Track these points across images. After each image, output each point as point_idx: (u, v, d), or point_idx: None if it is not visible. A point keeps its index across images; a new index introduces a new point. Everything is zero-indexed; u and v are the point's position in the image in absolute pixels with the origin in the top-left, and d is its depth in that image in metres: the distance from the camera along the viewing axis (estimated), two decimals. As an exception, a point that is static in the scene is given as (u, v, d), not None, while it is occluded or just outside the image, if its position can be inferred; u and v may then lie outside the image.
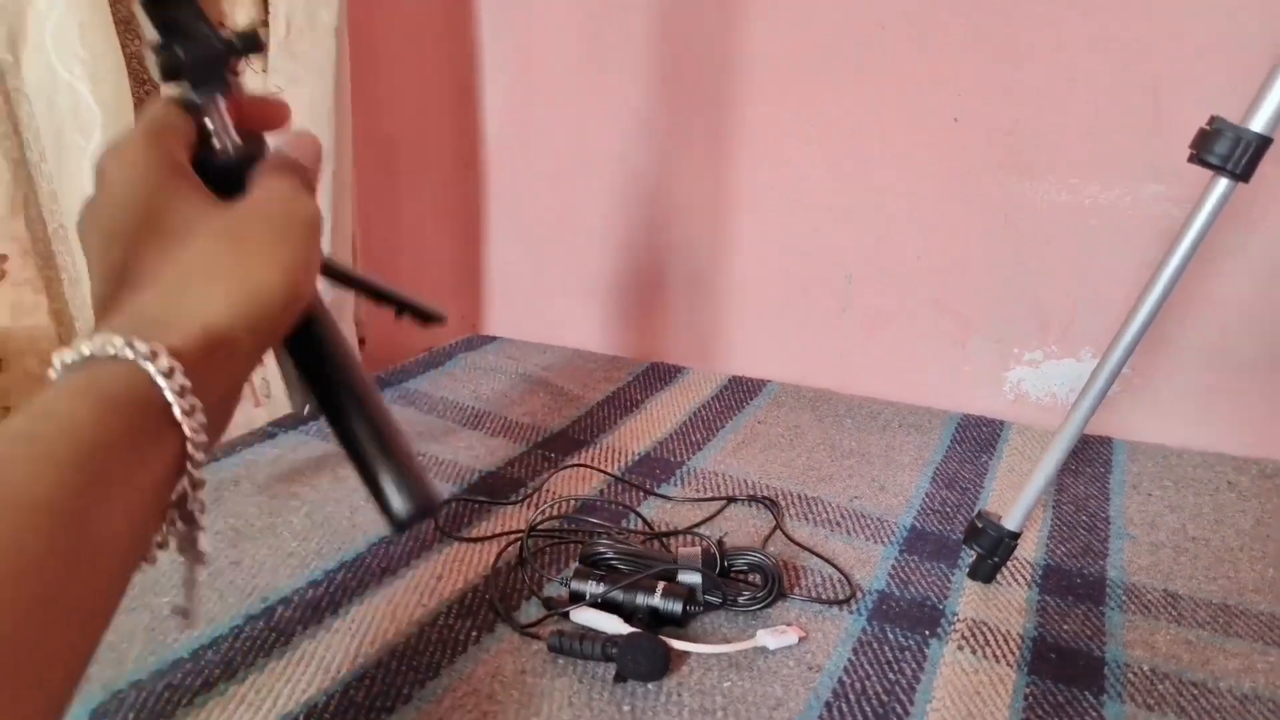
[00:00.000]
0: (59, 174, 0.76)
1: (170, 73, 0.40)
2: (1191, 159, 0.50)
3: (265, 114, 0.42)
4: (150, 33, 0.44)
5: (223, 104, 0.42)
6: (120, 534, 0.28)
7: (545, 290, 1.09)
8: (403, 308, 0.54)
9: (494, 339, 1.05)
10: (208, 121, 0.40)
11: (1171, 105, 0.77)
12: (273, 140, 0.42)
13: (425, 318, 0.56)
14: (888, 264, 0.91)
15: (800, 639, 0.51)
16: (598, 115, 1.00)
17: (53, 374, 0.29)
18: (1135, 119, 0.78)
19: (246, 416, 0.87)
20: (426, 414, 0.83)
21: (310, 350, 0.41)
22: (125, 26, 0.75)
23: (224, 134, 0.41)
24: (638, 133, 0.98)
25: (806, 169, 0.92)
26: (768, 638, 0.50)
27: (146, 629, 0.49)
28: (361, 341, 0.97)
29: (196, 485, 0.31)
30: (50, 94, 0.73)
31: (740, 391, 0.90)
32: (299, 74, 0.81)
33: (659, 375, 0.94)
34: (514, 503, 0.67)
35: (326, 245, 0.83)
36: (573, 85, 1.00)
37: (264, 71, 0.83)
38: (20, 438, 0.27)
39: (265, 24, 0.83)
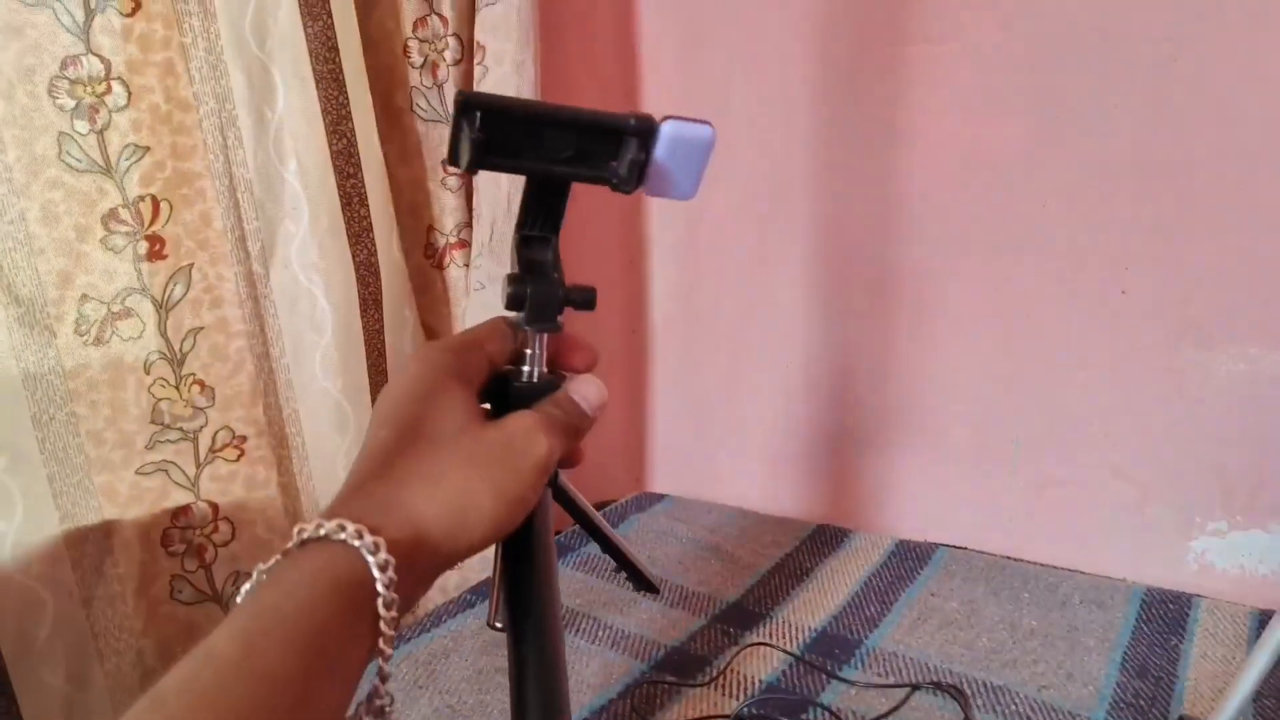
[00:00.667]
0: (295, 366, 0.86)
1: (515, 303, 0.47)
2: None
3: (576, 354, 0.48)
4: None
5: (544, 340, 0.48)
6: (330, 714, 0.32)
7: (709, 448, 1.14)
8: (624, 566, 0.61)
9: (662, 496, 1.10)
10: (527, 350, 0.47)
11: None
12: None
13: (640, 583, 0.62)
14: (1058, 430, 0.92)
15: None
16: (762, 286, 1.06)
17: (291, 544, 0.34)
18: (1316, 291, 0.78)
19: (442, 581, 0.94)
20: (608, 582, 0.87)
21: (519, 572, 0.46)
22: (355, 240, 0.86)
23: (535, 363, 0.47)
24: (799, 302, 1.03)
25: (969, 336, 0.94)
26: None
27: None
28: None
29: (385, 678, 0.35)
30: (293, 299, 0.85)
31: (909, 559, 0.91)
32: (499, 274, 0.90)
33: (825, 540, 0.97)
34: (701, 684, 0.70)
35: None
36: (736, 258, 1.07)
37: (466, 268, 0.93)
38: (269, 612, 0.31)
39: (469, 225, 0.93)
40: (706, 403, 1.13)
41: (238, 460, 0.88)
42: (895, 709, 0.66)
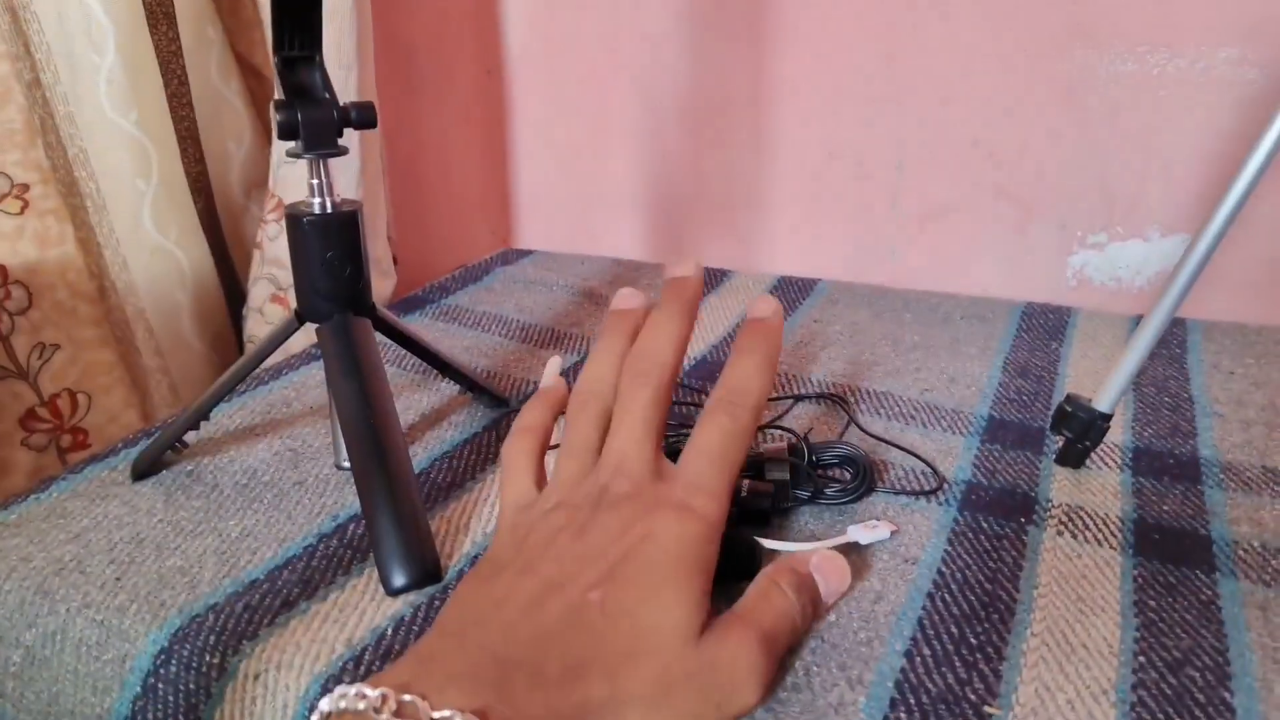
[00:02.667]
0: (75, 95, 0.72)
1: (287, 132, 0.45)
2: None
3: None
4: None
5: (328, 166, 0.48)
6: None
7: (579, 200, 1.06)
8: (473, 387, 0.65)
9: (529, 252, 1.02)
10: (311, 180, 0.48)
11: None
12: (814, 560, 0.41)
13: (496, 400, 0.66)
14: (941, 150, 0.87)
15: (893, 532, 0.49)
16: (626, 11, 0.94)
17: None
18: (1211, -26, 0.73)
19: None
20: (470, 329, 0.80)
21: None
22: (129, -68, 0.70)
23: (322, 193, 0.48)
24: (668, 27, 0.93)
25: (851, 54, 0.87)
26: (859, 533, 0.48)
27: (216, 552, 0.48)
28: (395, 260, 0.95)
29: None
30: (59, 9, 0.70)
31: (791, 291, 0.87)
32: None
33: (705, 280, 0.91)
34: (574, 412, 0.65)
35: (358, 159, 0.80)
36: (597, -21, 0.95)
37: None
38: None
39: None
40: (574, 149, 1.04)
41: (22, 213, 0.74)
42: (779, 418, 0.62)
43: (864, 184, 0.91)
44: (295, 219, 0.49)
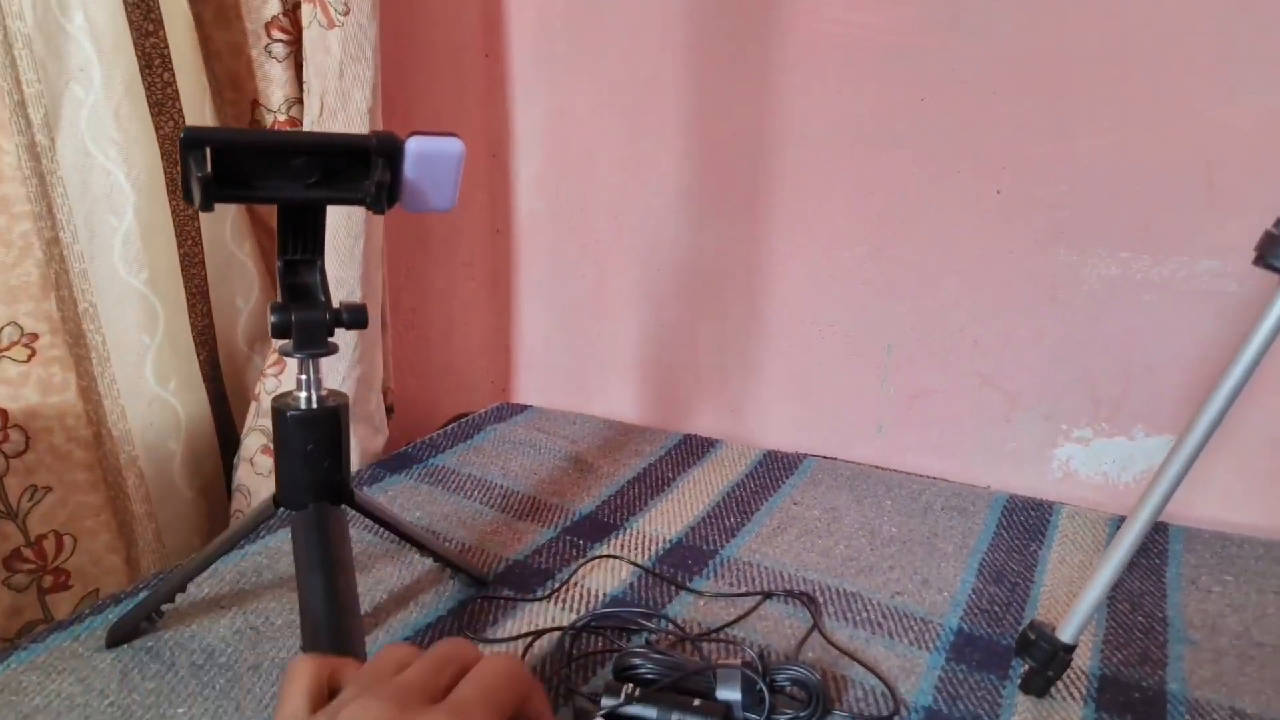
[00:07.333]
0: (90, 254, 0.76)
1: (280, 332, 0.47)
2: (1257, 262, 0.47)
3: None
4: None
5: (318, 365, 0.50)
6: None
7: (575, 358, 1.08)
8: (451, 565, 0.65)
9: (525, 407, 1.04)
10: (300, 375, 0.51)
11: (1226, 182, 0.74)
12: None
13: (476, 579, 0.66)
14: (929, 336, 0.89)
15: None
16: (630, 184, 0.99)
17: None
18: (1188, 194, 0.75)
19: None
20: (454, 493, 0.81)
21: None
22: (159, 110, 0.75)
23: (309, 388, 0.50)
24: (671, 202, 0.97)
25: (844, 239, 0.90)
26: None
27: (159, 746, 0.48)
28: (390, 409, 0.96)
29: None
30: (84, 176, 0.74)
31: (775, 468, 0.88)
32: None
33: (691, 450, 0.92)
34: (540, 599, 0.65)
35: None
36: (605, 154, 0.99)
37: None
38: None
39: (300, 101, 0.83)
40: (574, 310, 1.07)
41: (29, 361, 0.77)
42: (743, 617, 0.62)
43: (854, 360, 0.93)
44: (280, 413, 0.50)
